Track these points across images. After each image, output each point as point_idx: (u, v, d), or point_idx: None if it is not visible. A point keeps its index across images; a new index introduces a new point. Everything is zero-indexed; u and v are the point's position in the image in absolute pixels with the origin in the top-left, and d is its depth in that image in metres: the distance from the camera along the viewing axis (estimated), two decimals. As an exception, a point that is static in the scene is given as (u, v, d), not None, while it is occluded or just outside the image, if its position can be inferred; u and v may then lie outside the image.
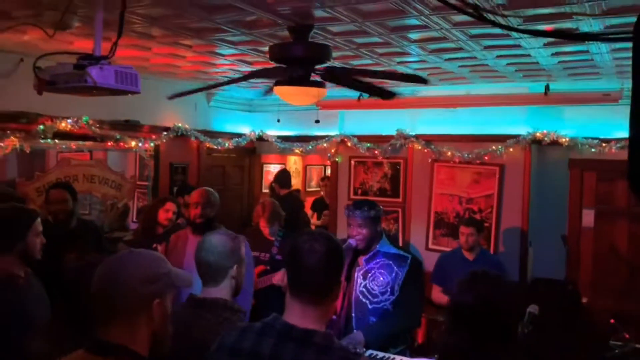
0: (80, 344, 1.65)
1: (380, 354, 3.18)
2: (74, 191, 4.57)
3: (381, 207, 3.55)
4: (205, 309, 2.29)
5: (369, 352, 3.17)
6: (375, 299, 3.39)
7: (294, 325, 1.76)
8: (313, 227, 7.93)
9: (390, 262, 3.44)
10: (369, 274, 3.44)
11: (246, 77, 3.72)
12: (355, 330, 3.37)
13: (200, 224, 3.89)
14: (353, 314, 3.42)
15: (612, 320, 4.03)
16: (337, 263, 1.86)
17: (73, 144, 5.53)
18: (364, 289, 3.43)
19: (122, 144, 5.76)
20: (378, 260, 3.46)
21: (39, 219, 2.87)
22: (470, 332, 1.99)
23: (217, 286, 2.35)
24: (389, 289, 3.38)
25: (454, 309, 2.08)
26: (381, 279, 3.40)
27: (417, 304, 3.53)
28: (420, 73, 5.14)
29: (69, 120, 5.14)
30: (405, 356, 3.30)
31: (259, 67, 4.66)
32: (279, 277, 4.17)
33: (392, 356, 3.17)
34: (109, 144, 5.66)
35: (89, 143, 5.60)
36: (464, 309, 2.02)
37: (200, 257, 2.38)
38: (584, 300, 5.50)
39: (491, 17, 2.54)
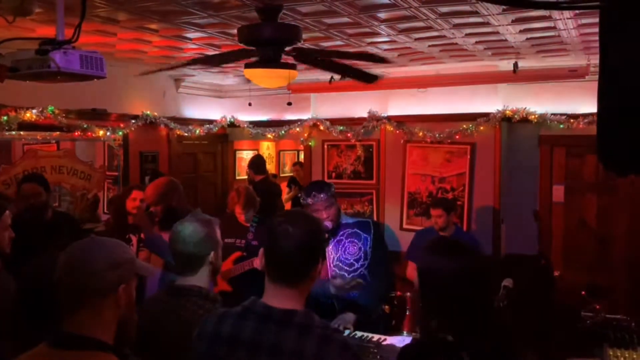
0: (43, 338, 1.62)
1: (359, 333, 3.21)
2: (47, 183, 4.48)
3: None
4: (184, 298, 2.26)
5: (346, 332, 3.19)
6: (352, 268, 3.48)
7: (273, 307, 1.74)
8: (289, 205, 7.97)
9: (355, 229, 3.54)
10: (339, 246, 3.52)
11: (218, 56, 3.67)
12: (335, 302, 3.41)
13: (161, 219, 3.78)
14: (331, 287, 3.43)
15: (582, 293, 4.13)
16: (315, 245, 1.82)
17: (39, 135, 5.38)
18: (338, 262, 3.49)
19: (89, 133, 5.63)
20: (343, 231, 3.55)
21: (7, 212, 2.79)
22: (446, 302, 1.94)
23: (195, 274, 2.32)
24: (362, 255, 3.48)
25: (427, 280, 2.04)
26: (352, 247, 3.50)
27: (389, 267, 3.72)
28: (390, 53, 5.15)
29: (34, 111, 4.99)
30: (378, 328, 3.35)
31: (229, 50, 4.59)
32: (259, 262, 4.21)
33: (369, 335, 3.20)
34: (76, 133, 5.53)
35: (55, 133, 5.46)
36: (438, 278, 1.97)
37: (176, 249, 2.33)
38: (556, 273, 5.61)
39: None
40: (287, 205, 8.04)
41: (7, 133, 4.97)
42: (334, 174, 6.74)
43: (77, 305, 1.58)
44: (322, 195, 3.41)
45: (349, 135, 6.53)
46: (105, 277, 1.60)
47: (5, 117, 4.77)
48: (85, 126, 5.53)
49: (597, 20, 1.57)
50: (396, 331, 3.53)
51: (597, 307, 3.93)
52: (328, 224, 3.47)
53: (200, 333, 1.84)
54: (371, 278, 3.47)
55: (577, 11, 3.55)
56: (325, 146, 6.81)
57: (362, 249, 3.48)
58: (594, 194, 5.73)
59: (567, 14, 3.66)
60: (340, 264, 3.49)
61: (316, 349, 1.67)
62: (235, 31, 3.73)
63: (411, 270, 4.96)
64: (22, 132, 5.11)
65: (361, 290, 3.41)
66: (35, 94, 4.87)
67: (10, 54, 2.42)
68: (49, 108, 5.11)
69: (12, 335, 2.10)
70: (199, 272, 2.32)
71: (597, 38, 1.58)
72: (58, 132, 5.44)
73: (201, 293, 2.28)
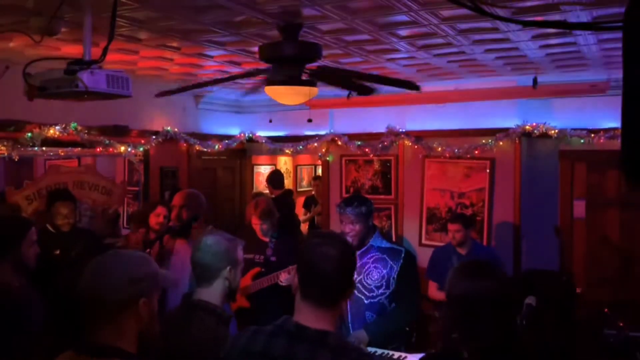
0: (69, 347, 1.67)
1: (379, 351, 3.19)
2: (75, 200, 4.59)
3: (372, 201, 3.55)
4: (194, 313, 2.32)
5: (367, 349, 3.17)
6: (371, 294, 3.40)
7: (307, 327, 1.74)
8: (306, 225, 7.97)
9: (385, 256, 3.45)
10: (364, 269, 3.43)
11: (238, 76, 3.71)
12: (350, 325, 3.38)
13: (175, 227, 3.86)
14: (348, 310, 3.41)
15: (606, 310, 4.06)
16: (350, 266, 1.86)
17: (61, 151, 5.46)
18: (359, 285, 3.41)
19: (111, 149, 5.70)
20: (372, 254, 3.47)
21: (33, 229, 2.84)
22: (472, 324, 1.93)
23: (209, 287, 2.37)
24: (384, 283, 3.39)
25: (453, 302, 2.03)
26: (376, 273, 3.41)
27: (414, 298, 3.54)
28: (409, 69, 5.16)
29: (57, 127, 5.07)
30: (401, 351, 3.31)
31: (248, 67, 4.64)
32: (285, 277, 4.19)
33: (390, 352, 3.18)
34: (98, 149, 5.60)
35: (77, 149, 5.54)
36: (464, 300, 1.96)
37: (195, 257, 2.42)
38: (578, 290, 5.53)
39: (487, 9, 2.54)
40: (304, 226, 8.03)
41: (30, 149, 5.05)
42: (352, 189, 6.73)
43: (98, 317, 1.64)
44: (348, 209, 3.39)
45: (367, 150, 6.53)
46: (124, 291, 1.64)
47: (29, 134, 4.86)
48: (107, 142, 5.60)
49: (618, 35, 1.57)
50: (417, 348, 3.50)
51: (621, 324, 3.87)
52: (349, 239, 3.45)
53: (232, 348, 1.87)
54: (393, 310, 3.40)
55: (598, 27, 3.54)
56: (344, 161, 6.82)
57: (386, 277, 3.38)
58: (616, 209, 5.65)
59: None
60: (361, 287, 3.40)
61: None
62: (255, 49, 3.78)
63: (432, 290, 4.93)
64: (44, 148, 5.19)
65: (377, 318, 3.37)
66: (58, 111, 4.95)
67: (39, 73, 2.48)
68: (72, 124, 5.19)
69: (44, 344, 2.14)
70: (213, 285, 2.37)
71: (618, 53, 1.58)
72: (80, 148, 5.52)
73: (215, 312, 2.32)
